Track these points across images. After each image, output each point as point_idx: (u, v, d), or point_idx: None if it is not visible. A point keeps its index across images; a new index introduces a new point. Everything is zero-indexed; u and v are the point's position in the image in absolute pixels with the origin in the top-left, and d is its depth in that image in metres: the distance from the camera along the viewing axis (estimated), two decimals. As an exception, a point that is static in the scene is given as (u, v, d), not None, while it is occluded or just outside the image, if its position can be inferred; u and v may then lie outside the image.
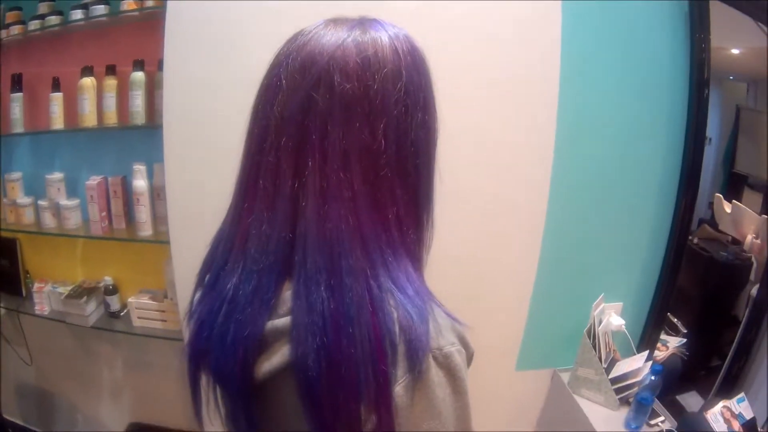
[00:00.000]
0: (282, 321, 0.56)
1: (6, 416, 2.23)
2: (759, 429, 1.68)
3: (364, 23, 0.61)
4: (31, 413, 2.33)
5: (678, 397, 2.06)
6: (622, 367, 1.74)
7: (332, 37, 0.58)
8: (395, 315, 0.53)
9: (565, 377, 1.84)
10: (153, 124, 1.66)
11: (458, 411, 0.57)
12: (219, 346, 0.58)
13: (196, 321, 0.63)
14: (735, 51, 2.22)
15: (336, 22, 0.61)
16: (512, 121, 1.61)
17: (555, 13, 1.55)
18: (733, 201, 2.11)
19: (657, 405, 1.72)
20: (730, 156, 2.18)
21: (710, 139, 2.09)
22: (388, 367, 0.52)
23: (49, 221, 1.84)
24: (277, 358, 0.56)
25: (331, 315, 0.53)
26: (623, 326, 1.76)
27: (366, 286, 0.54)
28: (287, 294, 0.57)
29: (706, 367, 2.10)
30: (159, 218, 1.74)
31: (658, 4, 1.64)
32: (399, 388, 0.53)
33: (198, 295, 0.66)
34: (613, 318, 1.77)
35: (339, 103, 0.56)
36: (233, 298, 0.58)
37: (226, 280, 0.60)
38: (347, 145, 0.56)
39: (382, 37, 0.59)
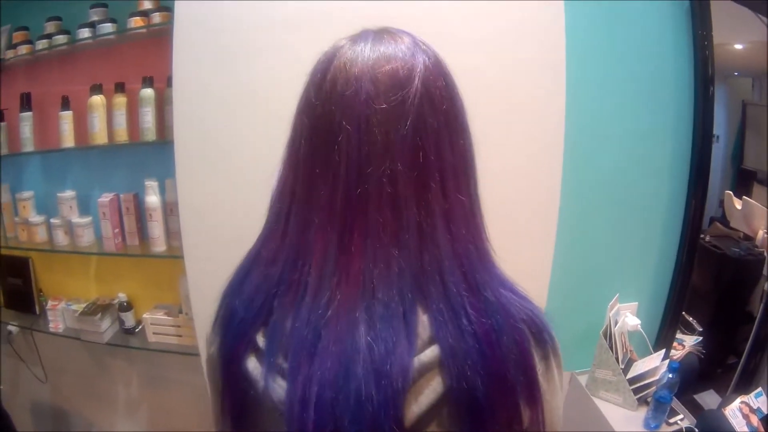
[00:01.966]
0: (428, 353, 0.53)
1: (21, 433, 2.23)
2: (778, 423, 1.67)
3: (409, 36, 0.61)
4: (47, 430, 2.32)
5: (696, 396, 2.06)
6: (640, 366, 1.74)
7: (406, 52, 0.57)
8: (519, 314, 0.57)
9: (583, 380, 1.84)
10: (163, 140, 1.66)
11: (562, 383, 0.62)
12: (356, 407, 0.50)
13: (308, 385, 0.52)
14: (738, 46, 2.23)
15: (376, 33, 0.60)
16: (520, 125, 1.61)
17: (558, 16, 1.56)
18: (744, 197, 2.10)
19: (675, 403, 1.72)
20: (738, 152, 2.18)
21: (717, 137, 2.09)
22: (536, 363, 0.56)
23: (61, 239, 1.85)
24: (426, 395, 0.53)
25: (484, 332, 0.53)
26: (639, 326, 1.77)
27: (495, 294, 0.56)
28: (420, 326, 0.54)
29: (723, 365, 2.10)
30: (172, 233, 1.74)
31: (658, 4, 1.65)
32: (540, 378, 0.57)
33: (283, 359, 0.56)
34: (628, 318, 1.77)
35: (444, 120, 0.57)
36: (360, 349, 0.52)
37: (341, 332, 0.53)
38: (456, 162, 0.58)
39: (436, 52, 0.62)
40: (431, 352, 0.53)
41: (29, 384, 2.18)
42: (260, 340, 0.58)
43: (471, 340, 0.52)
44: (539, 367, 0.56)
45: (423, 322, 0.54)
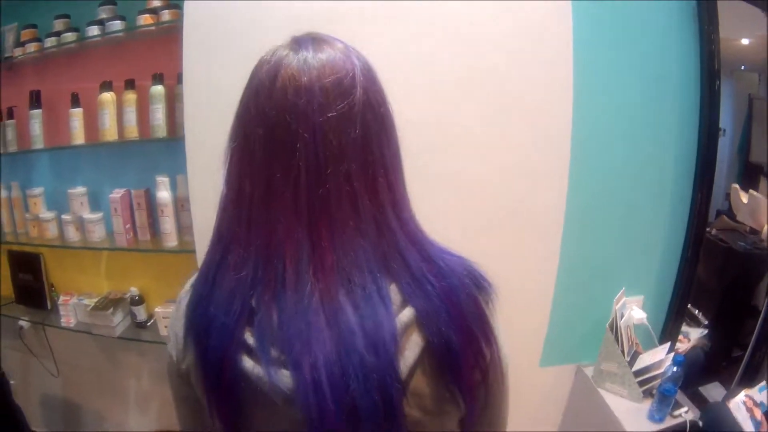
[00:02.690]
0: (406, 313, 0.60)
1: (34, 429, 2.25)
2: (781, 418, 1.69)
3: (340, 42, 0.65)
4: (59, 425, 2.35)
5: (701, 389, 2.07)
6: (645, 359, 1.75)
7: (345, 60, 0.62)
8: (463, 272, 0.65)
9: (589, 372, 1.86)
10: (174, 137, 1.68)
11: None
12: (363, 376, 0.57)
13: (315, 369, 0.57)
14: (745, 41, 2.23)
15: (314, 41, 0.64)
16: (528, 121, 1.63)
17: (566, 14, 1.57)
18: (750, 191, 2.11)
19: (680, 395, 1.73)
20: (744, 146, 2.19)
21: (724, 131, 2.09)
22: (485, 308, 0.65)
23: (72, 235, 1.87)
24: (411, 350, 0.60)
25: (445, 293, 0.61)
26: (645, 319, 1.78)
27: (443, 260, 0.64)
28: (392, 295, 0.62)
29: (728, 358, 2.11)
30: (183, 228, 1.76)
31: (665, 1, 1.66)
32: (491, 320, 0.66)
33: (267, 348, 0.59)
34: (634, 311, 1.78)
35: (382, 121, 0.63)
36: (353, 327, 0.58)
37: (330, 316, 0.58)
38: (393, 158, 0.65)
39: (365, 56, 0.66)
40: (408, 312, 0.60)
41: (41, 378, 2.21)
42: (250, 339, 0.60)
43: (437, 301, 0.61)
44: (488, 311, 0.66)
45: (394, 291, 0.61)
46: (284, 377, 0.58)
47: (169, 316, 1.82)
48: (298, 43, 0.63)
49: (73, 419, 2.32)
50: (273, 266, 0.60)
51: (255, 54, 1.46)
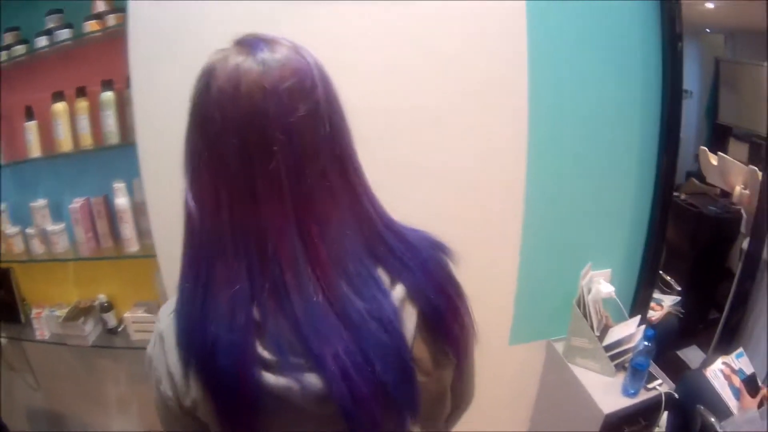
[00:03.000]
0: (398, 290, 0.66)
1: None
2: (760, 384, 1.68)
3: (287, 40, 0.65)
4: (45, 436, 2.37)
5: (679, 353, 2.07)
6: (615, 333, 1.75)
7: (300, 60, 0.62)
8: (427, 243, 0.72)
9: (560, 347, 1.85)
10: (127, 142, 1.66)
11: None
12: (382, 354, 0.62)
13: (339, 361, 0.60)
14: (709, 5, 2.21)
15: (264, 42, 0.63)
16: (481, 93, 1.61)
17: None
18: (719, 153, 2.10)
19: (654, 367, 1.73)
20: (712, 108, 2.17)
21: (691, 93, 2.07)
22: (452, 268, 0.73)
23: (37, 248, 1.86)
24: (410, 321, 0.66)
25: (423, 266, 0.68)
26: (613, 293, 1.76)
27: (411, 237, 0.70)
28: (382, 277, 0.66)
29: (704, 321, 2.11)
30: (144, 232, 1.75)
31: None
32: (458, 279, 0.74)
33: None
34: (602, 286, 1.77)
35: (340, 114, 0.65)
36: (363, 313, 0.62)
37: (338, 308, 0.61)
38: (353, 148, 0.68)
39: (311, 52, 0.66)
40: (400, 289, 0.65)
41: (23, 392, 2.21)
42: (264, 353, 0.60)
43: (420, 274, 0.67)
44: (452, 270, 0.72)
45: (382, 273, 0.66)
46: (312, 379, 0.60)
47: (138, 320, 1.85)
48: (249, 45, 0.62)
49: (57, 429, 2.32)
50: (270, 273, 0.60)
51: (200, 54, 1.45)
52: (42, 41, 1.71)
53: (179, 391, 0.64)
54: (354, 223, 0.65)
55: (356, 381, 0.60)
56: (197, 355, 0.61)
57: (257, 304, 0.60)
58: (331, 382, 0.59)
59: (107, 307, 1.92)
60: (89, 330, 1.92)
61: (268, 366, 0.60)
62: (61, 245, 1.84)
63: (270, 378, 0.60)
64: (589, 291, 1.74)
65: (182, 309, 0.63)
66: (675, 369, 1.86)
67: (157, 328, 0.68)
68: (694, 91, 2.14)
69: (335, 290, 0.61)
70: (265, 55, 0.60)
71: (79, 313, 1.92)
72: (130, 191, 1.75)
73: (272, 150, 0.59)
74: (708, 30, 2.22)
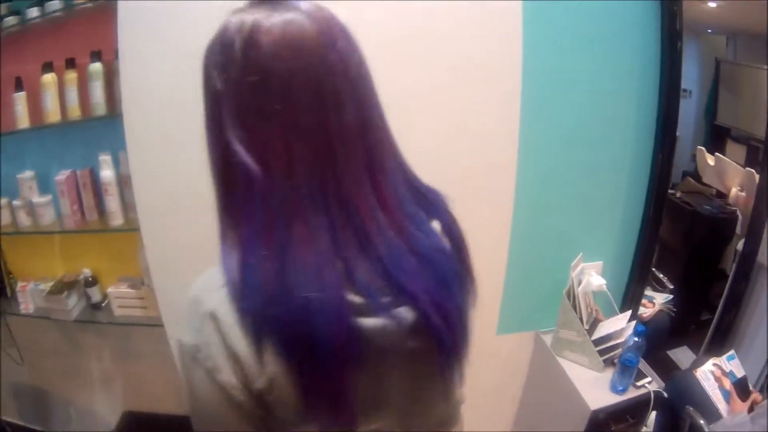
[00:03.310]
0: (435, 226, 0.72)
1: (4, 417, 2.26)
2: (750, 387, 1.66)
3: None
4: (29, 412, 2.35)
5: (669, 353, 2.05)
6: (605, 328, 1.72)
7: (325, 11, 0.62)
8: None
9: (548, 339, 1.83)
10: (114, 114, 1.65)
11: None
12: (451, 279, 0.69)
13: (425, 292, 0.65)
14: (712, 4, 2.19)
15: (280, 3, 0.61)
16: (473, 81, 1.58)
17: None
18: (716, 154, 2.08)
19: (643, 365, 1.70)
20: (711, 109, 2.16)
21: (690, 92, 2.06)
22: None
23: (24, 220, 1.85)
24: None
25: (447, 206, 0.76)
26: (604, 286, 1.74)
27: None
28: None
29: (696, 321, 2.09)
30: (129, 206, 1.74)
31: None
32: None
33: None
34: (593, 278, 1.74)
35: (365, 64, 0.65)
36: (432, 248, 0.68)
37: (411, 243, 0.65)
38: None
39: None
40: (437, 225, 0.71)
41: (7, 367, 2.20)
42: (356, 299, 0.61)
43: (446, 214, 0.74)
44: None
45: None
46: (405, 313, 0.64)
47: (121, 295, 1.82)
48: (280, 3, 0.61)
49: (42, 404, 2.32)
50: (351, 223, 0.61)
51: (189, 27, 1.45)
52: (33, 12, 1.70)
53: (249, 373, 0.60)
54: (398, 168, 0.68)
55: (446, 308, 0.66)
56: (282, 323, 0.58)
57: (341, 256, 0.60)
58: (426, 312, 0.64)
59: (91, 282, 1.90)
60: (72, 304, 1.90)
61: (361, 312, 0.61)
62: (47, 217, 1.82)
63: (367, 322, 0.62)
64: (580, 282, 1.71)
65: (249, 280, 0.59)
66: (665, 369, 1.84)
67: (202, 309, 0.61)
68: (694, 90, 2.12)
69: (405, 231, 0.64)
70: (307, 8, 0.61)
71: (63, 287, 1.91)
72: (117, 164, 1.73)
73: (342, 101, 0.60)
74: (710, 30, 2.21)
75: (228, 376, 0.60)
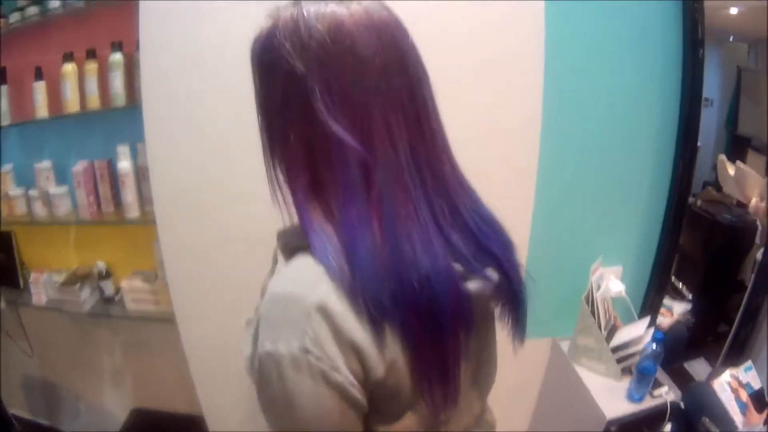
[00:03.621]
0: None
1: (13, 410, 2.24)
2: (767, 399, 1.63)
3: None
4: (37, 405, 2.35)
5: (685, 365, 2.02)
6: (623, 334, 1.69)
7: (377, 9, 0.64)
8: None
9: (565, 346, 1.80)
10: (134, 105, 1.64)
11: None
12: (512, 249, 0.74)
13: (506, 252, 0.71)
14: (734, 11, 2.17)
15: None
16: (496, 83, 1.57)
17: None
18: (737, 163, 2.06)
19: (661, 374, 1.67)
20: (732, 118, 2.14)
21: (711, 101, 2.04)
22: None
23: (40, 210, 1.85)
24: None
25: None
26: (623, 291, 1.71)
27: None
28: None
29: (714, 333, 2.06)
30: (146, 199, 1.73)
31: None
32: None
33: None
34: (612, 283, 1.72)
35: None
36: (493, 218, 0.74)
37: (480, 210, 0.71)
38: None
39: None
40: None
41: (17, 359, 2.19)
42: (457, 266, 0.62)
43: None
44: None
45: None
46: (493, 274, 0.67)
47: (135, 289, 1.81)
48: None
49: (50, 398, 2.31)
50: (443, 194, 0.64)
51: (211, 20, 1.45)
52: (55, 3, 1.71)
53: (369, 362, 0.58)
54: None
55: (518, 267, 0.72)
56: (401, 300, 0.57)
57: (440, 226, 0.62)
58: (509, 272, 0.68)
59: (105, 275, 1.89)
60: (85, 297, 1.90)
61: (464, 277, 0.62)
62: (63, 208, 1.82)
63: (471, 285, 0.63)
64: (599, 287, 1.69)
65: (361, 261, 0.57)
66: (681, 380, 1.81)
67: (305, 306, 0.57)
68: (715, 99, 2.11)
69: (474, 201, 0.70)
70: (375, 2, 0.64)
71: (77, 279, 1.90)
72: (135, 155, 1.72)
73: (421, 77, 0.65)
74: (732, 38, 2.19)
75: (344, 375, 0.57)
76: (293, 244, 0.66)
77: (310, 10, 0.61)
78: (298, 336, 0.56)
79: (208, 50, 1.46)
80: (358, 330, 0.57)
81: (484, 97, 1.58)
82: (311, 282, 0.58)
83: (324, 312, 0.56)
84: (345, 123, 0.59)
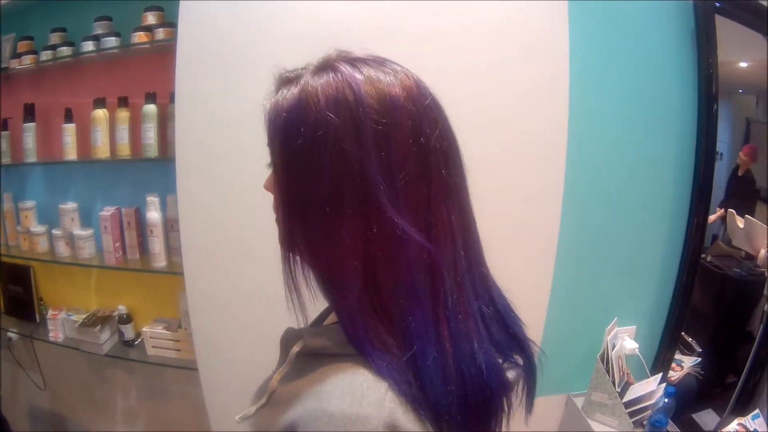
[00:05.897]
0: None
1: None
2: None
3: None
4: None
5: (694, 416, 2.05)
6: (636, 390, 1.73)
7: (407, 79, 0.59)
8: None
9: (579, 402, 1.83)
10: (165, 157, 1.66)
11: None
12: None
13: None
14: (743, 64, 2.21)
15: (382, 62, 0.60)
16: (522, 144, 1.60)
17: (563, 31, 1.54)
18: (746, 216, 2.09)
19: (671, 426, 1.71)
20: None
21: (721, 154, 2.07)
22: None
23: (62, 250, 1.86)
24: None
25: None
26: (637, 350, 1.76)
27: None
28: None
29: (722, 385, 2.09)
30: (172, 249, 1.75)
31: (664, 22, 1.65)
32: None
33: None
34: (626, 342, 1.76)
35: None
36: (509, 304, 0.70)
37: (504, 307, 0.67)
38: None
39: None
40: None
41: (28, 391, 2.19)
42: (499, 357, 0.61)
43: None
44: None
45: None
46: (519, 360, 0.65)
47: (157, 336, 1.81)
48: (379, 61, 0.60)
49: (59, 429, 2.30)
50: (483, 286, 0.62)
51: (248, 76, 1.44)
52: (88, 46, 1.72)
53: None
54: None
55: (533, 349, 0.68)
56: (463, 403, 0.54)
57: (483, 320, 0.60)
58: (529, 352, 0.66)
59: (126, 319, 1.90)
60: (105, 339, 1.90)
61: (504, 369, 0.62)
62: (87, 251, 1.83)
63: (509, 375, 0.61)
64: (614, 346, 1.73)
65: (430, 370, 0.52)
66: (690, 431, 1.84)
67: (373, 425, 0.50)
68: (724, 152, 2.14)
69: (495, 283, 0.66)
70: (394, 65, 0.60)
71: (97, 320, 1.91)
72: (163, 206, 1.74)
73: (458, 151, 0.61)
74: (741, 90, 2.23)
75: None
76: (327, 350, 0.58)
77: (355, 76, 0.55)
78: None
79: (244, 105, 1.48)
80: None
81: (510, 161, 1.61)
82: (375, 400, 0.51)
83: (394, 429, 0.51)
84: (409, 218, 0.53)
